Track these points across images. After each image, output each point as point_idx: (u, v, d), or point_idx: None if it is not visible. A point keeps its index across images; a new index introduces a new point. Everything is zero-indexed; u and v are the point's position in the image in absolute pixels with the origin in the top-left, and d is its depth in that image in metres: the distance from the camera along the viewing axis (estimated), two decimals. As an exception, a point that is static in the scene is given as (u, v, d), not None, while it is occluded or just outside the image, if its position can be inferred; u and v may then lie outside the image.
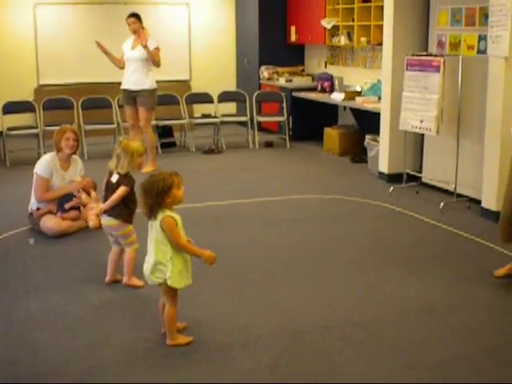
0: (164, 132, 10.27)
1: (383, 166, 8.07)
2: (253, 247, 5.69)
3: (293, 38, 11.58)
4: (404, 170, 7.68)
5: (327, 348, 3.88)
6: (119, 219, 4.72)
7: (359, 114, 9.48)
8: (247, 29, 12.14)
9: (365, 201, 7.13)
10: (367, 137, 8.64)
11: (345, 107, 10.02)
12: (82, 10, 11.63)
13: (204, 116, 10.83)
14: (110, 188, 4.74)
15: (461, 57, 6.84)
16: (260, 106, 11.10)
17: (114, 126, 9.82)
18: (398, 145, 7.77)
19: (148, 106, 8.63)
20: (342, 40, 10.06)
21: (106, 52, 8.62)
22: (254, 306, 4.47)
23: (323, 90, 10.54)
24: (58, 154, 6.10)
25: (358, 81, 10.02)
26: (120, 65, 8.70)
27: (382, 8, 8.08)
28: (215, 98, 10.62)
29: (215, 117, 10.53)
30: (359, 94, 9.55)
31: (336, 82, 10.39)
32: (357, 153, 9.21)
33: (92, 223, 4.93)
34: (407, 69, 7.29)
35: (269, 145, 10.48)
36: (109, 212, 4.73)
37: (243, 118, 10.64)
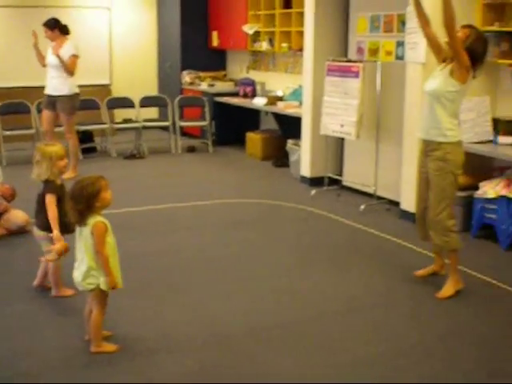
0: (84, 137, 10.11)
1: (305, 170, 8.18)
2: (173, 253, 5.66)
3: (215, 43, 11.61)
4: (325, 174, 7.80)
5: (252, 350, 3.91)
6: (46, 231, 4.53)
7: (281, 118, 9.58)
8: (169, 33, 12.11)
9: (287, 204, 7.21)
10: (289, 141, 8.74)
11: (267, 112, 10.10)
12: (1, 13, 11.33)
13: (125, 121, 10.72)
14: (38, 200, 4.57)
15: (379, 62, 7.01)
16: (182, 110, 11.06)
17: (33, 131, 9.61)
18: (320, 149, 7.90)
19: (67, 112, 8.50)
20: (264, 45, 10.15)
21: (35, 45, 8.47)
22: (177, 312, 4.45)
23: (245, 95, 10.60)
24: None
25: (279, 86, 10.13)
26: (42, 62, 8.58)
27: (302, 14, 8.22)
28: (137, 103, 10.52)
29: (137, 122, 10.44)
30: (281, 99, 9.64)
31: (258, 87, 10.46)
32: (279, 157, 9.30)
33: (51, 257, 4.57)
34: (327, 74, 7.41)
35: (191, 150, 10.47)
36: (37, 221, 4.61)
37: (165, 123, 10.58)
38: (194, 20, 11.67)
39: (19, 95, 10.30)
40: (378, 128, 7.11)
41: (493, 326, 4.27)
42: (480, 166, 6.33)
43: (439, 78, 4.67)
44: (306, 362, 3.76)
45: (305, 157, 8.16)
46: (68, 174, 7.62)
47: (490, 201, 5.84)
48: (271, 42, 10.03)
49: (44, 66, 8.57)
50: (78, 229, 3.79)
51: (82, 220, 3.71)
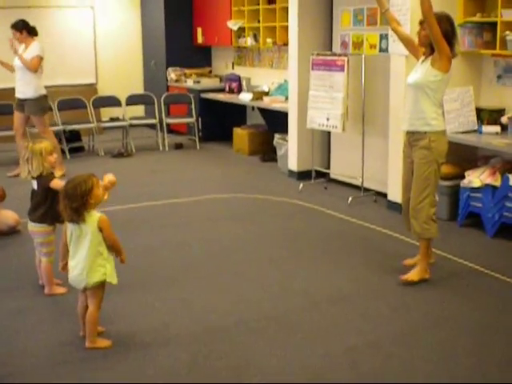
0: (72, 136, 10.12)
1: (292, 164, 8.24)
2: (165, 248, 5.71)
3: (199, 39, 11.64)
4: (312, 167, 7.86)
5: (244, 341, 3.97)
6: (44, 223, 4.63)
7: (267, 113, 9.63)
8: (153, 31, 12.11)
9: (275, 198, 7.26)
10: (276, 136, 8.79)
11: (253, 107, 10.15)
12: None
13: (112, 119, 10.74)
14: (34, 196, 4.65)
15: (363, 55, 7.07)
16: (169, 108, 11.09)
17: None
18: (306, 143, 7.95)
19: (36, 114, 8.49)
20: (249, 41, 10.19)
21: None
22: (170, 305, 4.50)
23: (231, 91, 10.63)
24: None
25: (265, 81, 10.17)
26: (10, 69, 8.64)
27: (286, 9, 8.26)
28: (123, 101, 10.54)
29: (123, 120, 10.45)
30: (267, 94, 9.69)
31: (244, 83, 10.50)
32: (266, 152, 9.35)
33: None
34: (313, 68, 7.47)
35: (179, 146, 10.49)
36: (32, 216, 4.66)
37: (152, 121, 10.59)
38: (179, 17, 11.68)
39: (4, 96, 10.27)
40: (364, 120, 7.17)
41: (481, 313, 4.34)
42: (465, 156, 6.40)
43: (421, 70, 4.75)
44: (298, 352, 3.82)
45: (292, 151, 8.22)
46: (56, 172, 7.65)
47: (475, 190, 5.92)
48: (256, 37, 10.06)
49: (13, 71, 8.58)
50: (71, 229, 3.83)
51: (77, 217, 3.76)
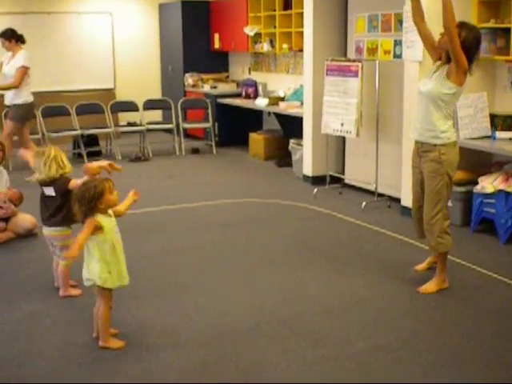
0: (89, 141, 10.24)
1: (307, 169, 8.28)
2: (179, 252, 5.77)
3: (216, 45, 11.72)
4: (327, 172, 7.90)
5: (255, 345, 4.01)
6: (65, 226, 4.72)
7: (283, 118, 9.68)
8: (171, 36, 12.22)
9: (290, 203, 7.31)
10: (291, 141, 8.84)
11: (269, 112, 10.21)
12: (5, 20, 11.45)
13: (130, 124, 10.83)
14: (53, 201, 4.73)
15: (378, 61, 7.11)
16: (186, 112, 11.18)
17: (39, 135, 9.72)
18: (321, 148, 8.00)
19: (13, 119, 8.60)
20: (265, 47, 10.25)
21: None
22: (182, 308, 4.56)
23: (247, 96, 10.70)
24: (-18, 165, 6.06)
25: (281, 86, 10.23)
26: None
27: (302, 15, 8.31)
28: (140, 106, 10.63)
29: (141, 125, 10.55)
30: (282, 99, 9.75)
31: (260, 88, 10.57)
32: (282, 157, 9.40)
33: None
34: (327, 74, 7.51)
35: (195, 151, 10.58)
36: (51, 221, 4.74)
37: (169, 126, 10.69)
38: (196, 23, 11.78)
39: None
40: (378, 126, 7.20)
41: (492, 318, 4.35)
42: (479, 162, 6.42)
43: (436, 80, 4.66)
44: (309, 356, 3.85)
45: (307, 156, 8.26)
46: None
47: (488, 195, 5.92)
48: (272, 43, 10.13)
49: None
50: None
51: (85, 220, 3.84)
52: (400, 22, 6.82)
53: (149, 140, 10.38)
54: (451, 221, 6.10)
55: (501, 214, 5.82)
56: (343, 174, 8.03)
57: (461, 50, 4.48)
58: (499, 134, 6.14)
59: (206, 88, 11.29)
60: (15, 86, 8.45)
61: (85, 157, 9.79)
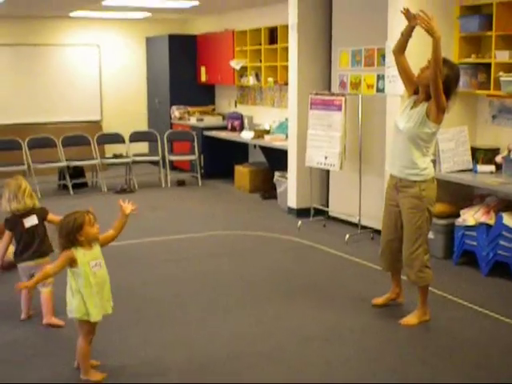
0: (75, 172, 10.25)
1: (292, 202, 8.32)
2: (161, 283, 5.78)
3: (203, 78, 11.83)
4: (311, 205, 7.94)
5: (236, 376, 4.00)
6: (47, 254, 4.85)
7: (268, 151, 9.74)
8: (158, 69, 12.31)
9: (274, 235, 7.33)
10: (276, 173, 8.90)
11: (255, 145, 10.26)
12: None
13: (116, 156, 10.87)
14: (37, 230, 4.82)
15: (361, 95, 7.19)
16: (172, 145, 11.24)
17: (25, 167, 9.73)
18: (305, 181, 8.04)
19: None
20: (251, 80, 10.35)
21: None
22: (163, 339, 4.55)
23: (233, 129, 10.77)
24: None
25: (266, 119, 10.32)
26: None
27: (287, 49, 8.41)
28: (127, 138, 10.67)
29: (127, 156, 10.58)
30: (268, 132, 9.83)
31: (245, 121, 10.64)
32: (267, 189, 9.44)
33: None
34: (311, 107, 7.59)
35: (181, 183, 10.61)
36: (40, 251, 4.82)
37: (155, 158, 10.72)
38: (183, 56, 11.89)
39: (10, 132, 10.47)
40: (361, 159, 7.26)
41: (472, 350, 4.37)
42: (460, 194, 6.48)
43: (415, 118, 4.65)
44: (288, 388, 3.86)
45: (291, 188, 8.31)
46: None
47: (470, 228, 5.97)
48: (257, 76, 10.23)
49: None
50: None
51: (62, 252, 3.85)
52: (383, 56, 6.92)
53: (135, 172, 10.40)
54: (433, 253, 6.18)
55: (482, 247, 5.86)
56: (327, 207, 8.07)
57: (442, 93, 4.50)
58: (480, 168, 6.21)
59: (193, 120, 11.36)
60: None
61: (70, 188, 9.80)
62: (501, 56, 6.06)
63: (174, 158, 10.90)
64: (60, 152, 10.10)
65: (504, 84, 5.96)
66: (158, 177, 10.60)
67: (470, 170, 6.30)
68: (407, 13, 4.63)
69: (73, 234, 3.82)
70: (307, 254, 6.67)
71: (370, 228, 7.27)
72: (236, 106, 11.44)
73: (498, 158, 6.22)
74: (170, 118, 11.91)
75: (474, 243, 5.96)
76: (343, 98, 7.17)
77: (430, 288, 5.07)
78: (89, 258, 3.90)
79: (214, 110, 12.01)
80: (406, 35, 4.74)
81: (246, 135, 9.97)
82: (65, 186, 10.00)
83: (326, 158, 7.36)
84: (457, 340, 4.53)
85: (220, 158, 10.89)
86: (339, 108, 7.20)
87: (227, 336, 4.61)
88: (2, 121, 11.37)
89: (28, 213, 4.78)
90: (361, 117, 7.18)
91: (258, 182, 9.84)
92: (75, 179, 10.16)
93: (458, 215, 6.14)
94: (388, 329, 4.73)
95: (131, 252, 6.69)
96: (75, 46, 12.22)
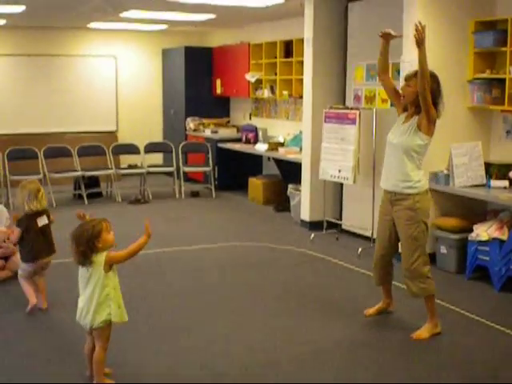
0: (90, 182, 10.33)
1: (305, 214, 8.34)
2: (173, 294, 5.81)
3: (218, 90, 11.90)
4: (324, 218, 7.95)
5: (247, 387, 4.04)
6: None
7: (282, 164, 9.77)
8: (174, 81, 12.40)
9: (287, 248, 7.35)
10: (290, 186, 8.92)
11: (269, 158, 10.30)
12: (9, 62, 11.66)
13: (130, 166, 10.95)
14: (48, 228, 5.24)
15: (375, 109, 7.22)
16: (186, 156, 11.30)
17: (41, 176, 9.81)
18: (319, 193, 8.06)
19: None
20: (266, 93, 10.41)
21: None
22: (175, 351, 4.57)
23: (248, 141, 10.82)
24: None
25: (281, 132, 10.36)
26: None
27: (302, 63, 8.46)
28: (142, 149, 10.75)
29: (141, 167, 10.66)
30: (282, 144, 9.86)
31: (260, 134, 10.68)
32: (280, 201, 9.47)
33: None
34: (325, 121, 7.62)
35: (195, 194, 10.65)
36: (51, 248, 5.30)
37: (169, 169, 10.79)
38: (199, 68, 11.98)
39: (27, 141, 10.57)
40: (375, 173, 7.27)
41: (485, 365, 4.37)
42: (473, 209, 6.48)
43: (407, 132, 4.74)
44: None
45: (304, 201, 8.33)
46: None
47: (483, 243, 5.97)
48: (272, 89, 10.28)
49: None
50: (80, 271, 3.96)
51: (85, 260, 3.89)
52: (397, 71, 6.94)
53: (149, 183, 10.47)
54: (446, 268, 6.20)
55: (495, 262, 5.86)
56: (340, 220, 8.09)
57: (431, 105, 4.61)
58: (494, 183, 6.21)
59: (207, 132, 11.42)
60: None
61: (85, 198, 9.87)
62: (515, 72, 6.08)
63: (188, 169, 10.95)
64: (75, 162, 10.19)
65: (519, 100, 5.98)
66: (172, 188, 10.65)
67: (484, 185, 6.29)
68: (383, 35, 4.86)
69: (92, 241, 3.86)
70: (319, 267, 6.68)
71: (383, 242, 7.26)
72: (251, 118, 11.50)
73: (512, 174, 6.23)
74: (185, 130, 11.98)
75: (487, 258, 5.95)
76: (357, 112, 7.21)
77: (442, 302, 5.09)
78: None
79: (228, 122, 12.07)
80: (385, 53, 4.96)
81: (260, 147, 10.02)
82: (80, 196, 10.08)
83: (339, 171, 7.38)
84: (469, 355, 4.52)
85: (234, 169, 10.94)
86: (353, 122, 7.23)
87: (239, 348, 4.63)
88: (19, 130, 11.49)
89: (41, 213, 5.13)
90: (375, 131, 7.20)
91: (271, 194, 9.87)
92: (90, 189, 10.24)
93: (471, 230, 6.14)
94: (399, 342, 4.73)
95: (144, 262, 6.69)
96: (93, 57, 12.33)
